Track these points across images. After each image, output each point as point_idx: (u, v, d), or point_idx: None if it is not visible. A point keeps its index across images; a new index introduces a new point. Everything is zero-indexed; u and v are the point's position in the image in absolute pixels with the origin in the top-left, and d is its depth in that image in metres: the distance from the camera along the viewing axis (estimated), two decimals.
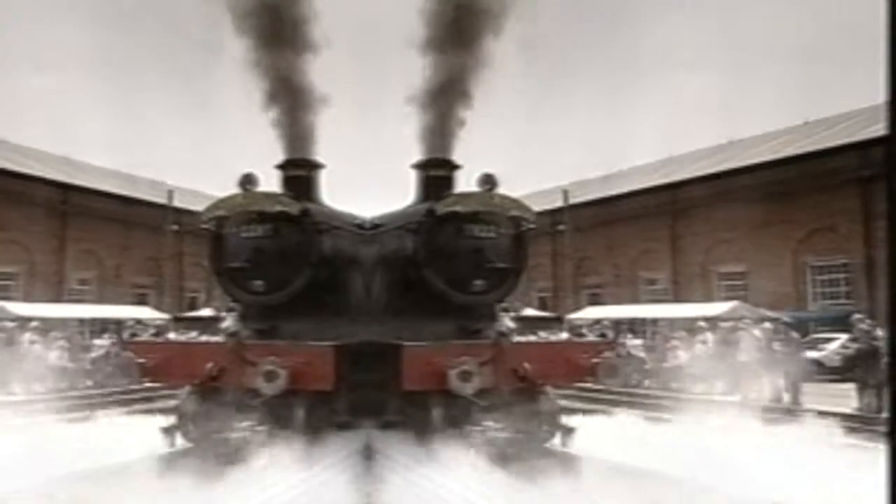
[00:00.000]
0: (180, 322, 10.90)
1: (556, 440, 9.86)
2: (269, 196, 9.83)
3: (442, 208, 9.94)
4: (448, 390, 9.01)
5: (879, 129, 35.94)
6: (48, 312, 28.09)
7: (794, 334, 21.28)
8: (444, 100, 10.47)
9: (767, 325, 23.64)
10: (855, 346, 18.95)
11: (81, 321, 31.87)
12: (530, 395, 9.41)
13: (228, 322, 9.62)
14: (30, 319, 23.77)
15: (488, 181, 10.02)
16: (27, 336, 21.33)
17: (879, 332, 19.43)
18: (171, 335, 10.77)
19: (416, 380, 9.09)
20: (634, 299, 41.30)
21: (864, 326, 18.86)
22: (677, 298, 41.36)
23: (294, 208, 9.72)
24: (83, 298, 39.55)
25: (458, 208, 9.95)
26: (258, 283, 9.71)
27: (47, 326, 22.76)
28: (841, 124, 40.01)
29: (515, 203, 10.12)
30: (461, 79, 10.35)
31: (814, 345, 27.87)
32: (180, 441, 9.50)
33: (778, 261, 38.89)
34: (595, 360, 9.53)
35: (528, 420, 9.50)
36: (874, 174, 35.07)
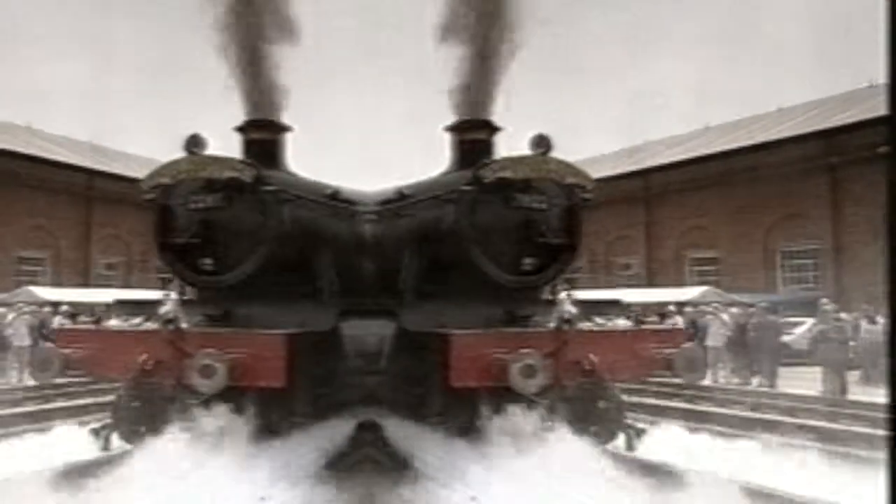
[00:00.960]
0: (125, 306, 9.11)
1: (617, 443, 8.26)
2: (218, 160, 8.21)
3: (490, 174, 8.24)
4: (502, 387, 7.36)
5: (847, 116, 35.56)
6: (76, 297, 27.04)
7: (772, 317, 20.70)
8: (482, 56, 8.76)
9: (734, 310, 23.29)
10: (818, 329, 18.80)
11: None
12: (592, 391, 7.78)
13: (168, 306, 7.96)
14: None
15: (542, 143, 8.34)
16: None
17: (843, 316, 20.44)
18: (113, 321, 8.97)
19: (467, 375, 7.42)
20: (609, 285, 40.06)
21: (828, 309, 19.03)
22: (651, 283, 40.51)
23: (247, 174, 8.10)
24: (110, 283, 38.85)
25: (508, 174, 8.26)
26: (207, 262, 8.24)
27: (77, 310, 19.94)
28: (813, 111, 39.27)
29: (572, 169, 8.46)
30: (500, 35, 8.65)
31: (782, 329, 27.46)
32: (117, 443, 7.92)
33: (749, 246, 38.22)
34: (671, 351, 7.91)
35: (587, 420, 7.91)
36: (842, 161, 34.69)
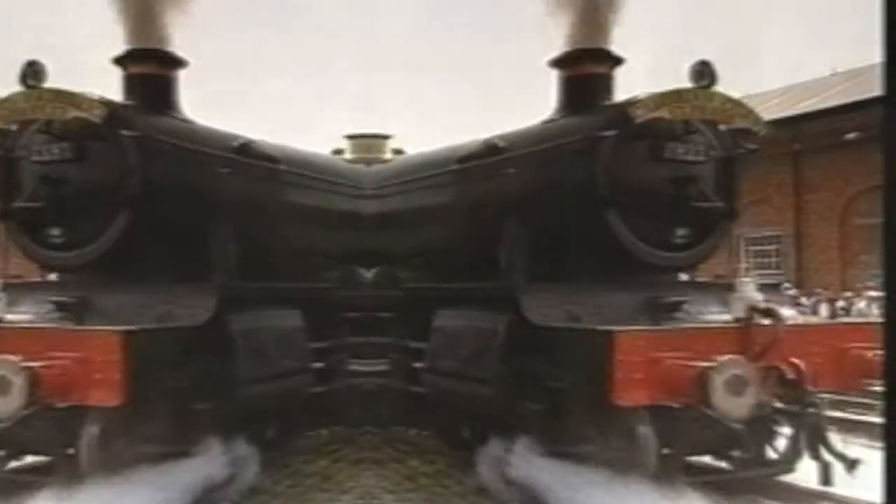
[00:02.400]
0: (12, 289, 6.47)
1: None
2: (60, 96, 5.79)
3: (642, 113, 5.77)
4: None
5: (811, 104, 34.36)
6: None
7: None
8: None
9: None
10: None
11: None
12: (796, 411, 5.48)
13: None
14: None
15: (705, 73, 5.91)
16: None
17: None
18: None
19: (637, 389, 4.99)
20: None
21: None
22: None
23: (96, 113, 5.78)
24: None
25: (664, 113, 5.81)
26: (55, 233, 6.06)
27: None
28: (776, 99, 37.94)
29: (742, 108, 6.06)
30: None
31: None
32: None
33: None
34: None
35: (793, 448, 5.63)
36: (805, 148, 33.55)
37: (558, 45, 6.77)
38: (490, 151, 6.98)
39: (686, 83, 5.95)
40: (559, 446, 5.72)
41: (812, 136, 32.83)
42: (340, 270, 8.40)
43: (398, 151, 9.73)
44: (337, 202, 8.54)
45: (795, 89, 37.85)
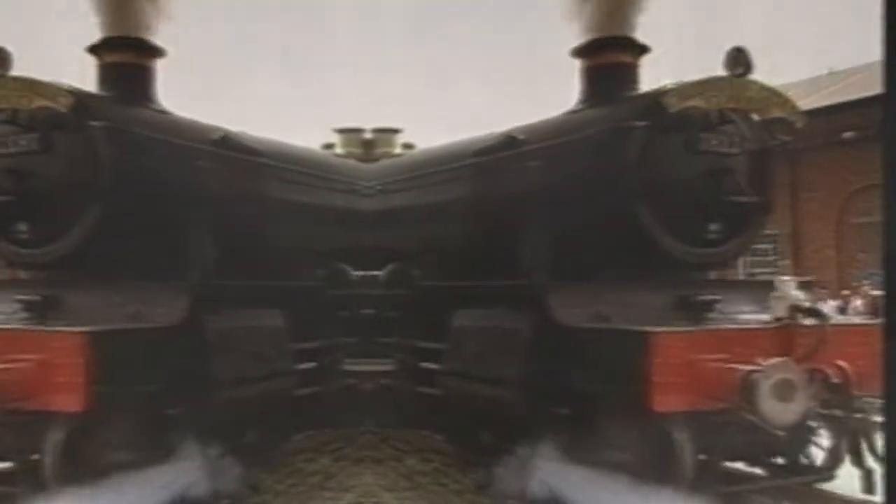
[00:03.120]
0: None
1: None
2: (24, 84, 5.40)
3: (676, 102, 5.38)
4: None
5: (809, 102, 34.02)
6: None
7: None
8: None
9: None
10: None
11: None
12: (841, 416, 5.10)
13: None
14: None
15: (740, 60, 5.52)
16: None
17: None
18: None
19: (677, 393, 4.62)
20: None
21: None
22: None
23: (62, 102, 5.40)
24: None
25: (699, 102, 5.42)
26: (22, 228, 5.70)
27: None
28: None
29: (778, 97, 5.67)
30: None
31: None
32: None
33: None
34: None
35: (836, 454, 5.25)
36: (801, 147, 33.24)
37: (568, 34, 6.38)
38: (509, 144, 6.58)
39: (700, 74, 5.62)
40: (587, 453, 5.34)
41: (809, 134, 32.58)
42: (330, 268, 7.95)
43: (408, 146, 9.32)
44: (328, 198, 8.12)
45: (792, 87, 37.54)
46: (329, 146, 9.49)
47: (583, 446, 5.34)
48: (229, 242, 5.98)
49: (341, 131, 9.51)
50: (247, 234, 6.54)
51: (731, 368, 4.61)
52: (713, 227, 5.71)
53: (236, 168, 6.67)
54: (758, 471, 5.92)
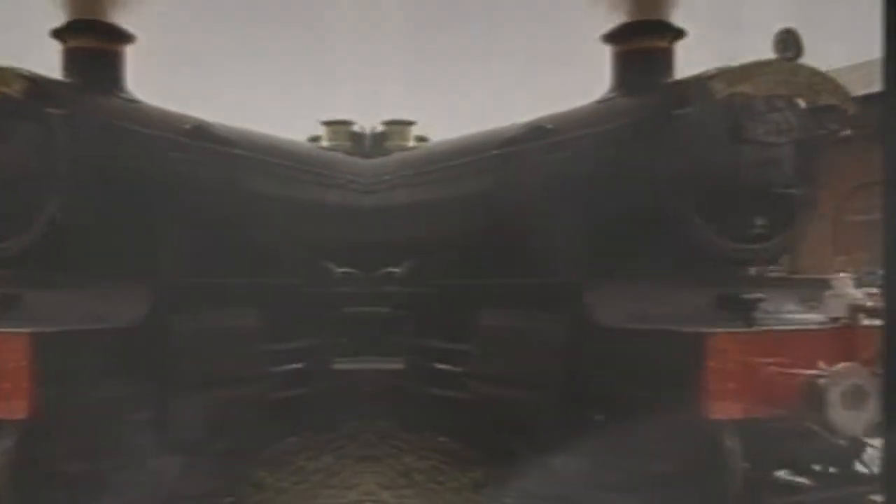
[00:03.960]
0: None
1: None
2: None
3: (722, 87, 4.96)
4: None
5: None
6: None
7: None
8: None
9: None
10: None
11: None
12: None
13: None
14: None
15: (789, 44, 5.09)
16: None
17: None
18: None
19: (733, 400, 4.20)
20: None
21: None
22: None
23: (16, 87, 5.03)
24: None
25: (747, 88, 5.00)
26: None
27: None
28: None
29: (830, 83, 5.24)
30: None
31: None
32: None
33: None
34: None
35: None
36: None
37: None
38: (536, 134, 6.15)
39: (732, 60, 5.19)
40: (623, 461, 4.92)
41: None
42: (313, 266, 7.51)
43: (422, 139, 8.89)
44: (316, 193, 7.70)
45: None
46: (315, 139, 9.06)
47: (619, 455, 4.92)
48: (203, 238, 5.58)
49: (328, 123, 9.06)
50: (223, 229, 6.09)
51: (791, 373, 4.20)
52: (759, 221, 5.29)
53: (210, 159, 6.23)
54: (802, 480, 5.51)
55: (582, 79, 6.80)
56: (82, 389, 4.40)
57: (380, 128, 8.94)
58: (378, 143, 8.85)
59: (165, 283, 5.16)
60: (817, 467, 5.29)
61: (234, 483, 5.83)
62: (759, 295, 5.17)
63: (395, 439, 7.28)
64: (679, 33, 5.90)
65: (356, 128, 9.06)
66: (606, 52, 6.13)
